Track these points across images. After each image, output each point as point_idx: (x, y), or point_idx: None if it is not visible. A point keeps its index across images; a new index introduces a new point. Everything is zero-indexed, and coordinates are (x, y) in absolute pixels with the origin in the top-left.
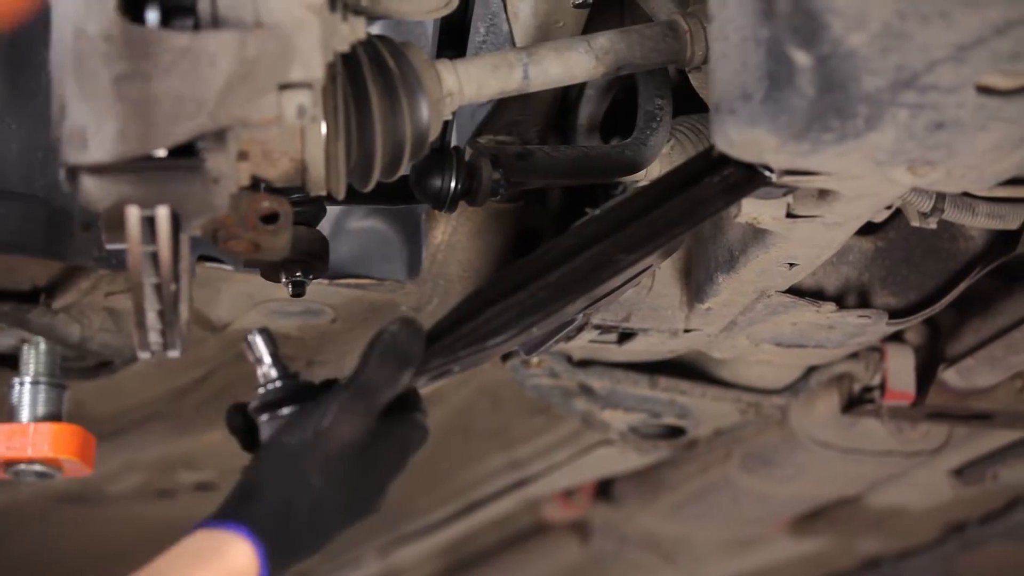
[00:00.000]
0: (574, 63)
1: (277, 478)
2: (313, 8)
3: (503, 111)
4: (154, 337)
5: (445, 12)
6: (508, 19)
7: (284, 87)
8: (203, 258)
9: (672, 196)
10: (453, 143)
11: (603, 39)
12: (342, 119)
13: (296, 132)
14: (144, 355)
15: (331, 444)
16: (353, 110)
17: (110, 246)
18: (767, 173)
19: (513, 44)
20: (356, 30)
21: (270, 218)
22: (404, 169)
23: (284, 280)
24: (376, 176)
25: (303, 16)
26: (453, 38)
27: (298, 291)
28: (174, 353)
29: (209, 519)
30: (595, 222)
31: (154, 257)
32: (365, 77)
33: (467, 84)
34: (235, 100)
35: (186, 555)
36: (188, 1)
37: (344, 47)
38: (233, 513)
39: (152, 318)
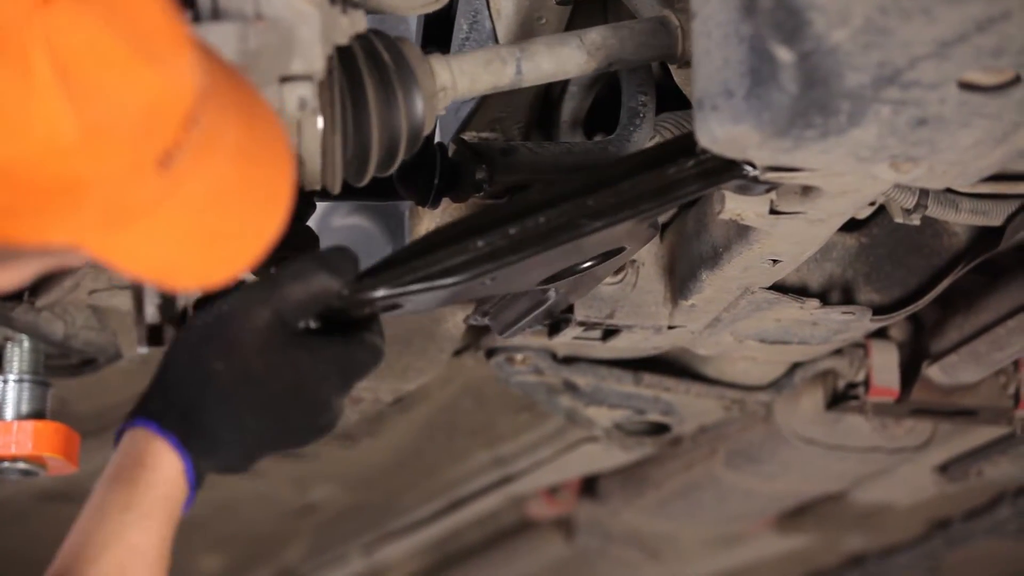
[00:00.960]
0: (566, 58)
1: (178, 363)
2: (314, 1)
3: (487, 107)
4: (153, 330)
5: (435, 7)
6: (491, 16)
7: (285, 80)
8: None
9: (645, 171)
10: (437, 139)
11: (595, 34)
12: (339, 112)
13: (293, 125)
14: (143, 350)
15: (230, 327)
16: (349, 103)
17: None
18: (749, 169)
19: (496, 41)
20: (356, 23)
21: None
22: (398, 164)
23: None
24: (372, 171)
25: (304, 8)
26: (437, 34)
27: None
28: None
29: (125, 419)
30: (563, 184)
31: None
32: (361, 70)
33: (460, 79)
34: None
35: (113, 478)
36: None
37: (344, 40)
38: (141, 409)
39: (152, 312)
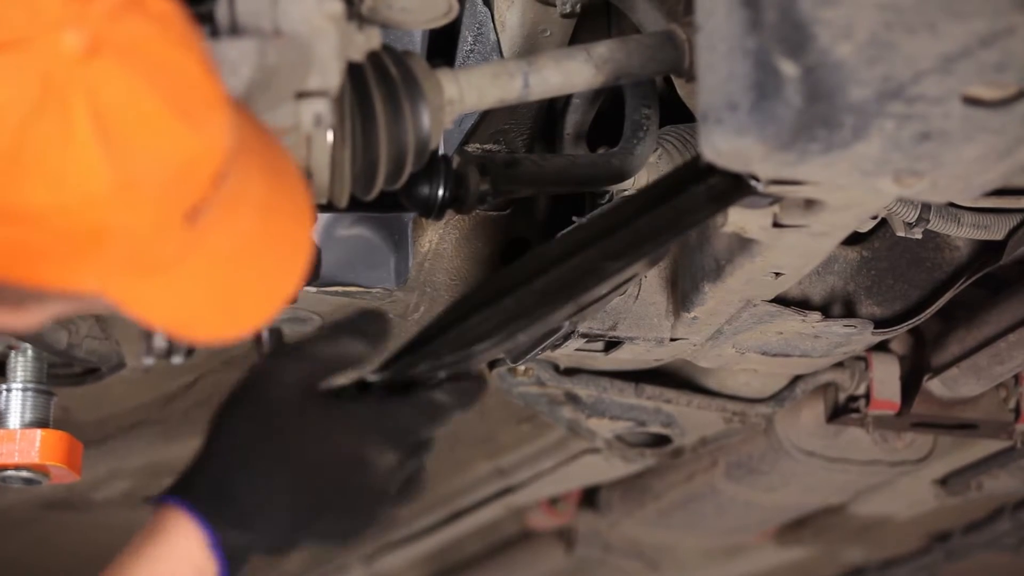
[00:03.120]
0: (574, 72)
1: (213, 434)
2: (332, 17)
3: (491, 120)
4: (159, 342)
5: (445, 22)
6: (495, 28)
7: (301, 95)
8: None
9: (658, 204)
10: (441, 151)
11: (602, 48)
12: (348, 127)
13: (303, 140)
14: (149, 361)
15: (256, 389)
16: (358, 118)
17: None
18: (753, 183)
19: (500, 54)
20: (371, 39)
21: None
22: (406, 178)
23: None
24: (380, 184)
25: (322, 25)
26: (442, 47)
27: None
28: (178, 359)
29: (160, 495)
30: (581, 230)
31: None
32: (369, 85)
33: (468, 92)
34: (255, 108)
35: (127, 552)
36: (206, 9)
37: (359, 56)
38: (173, 484)
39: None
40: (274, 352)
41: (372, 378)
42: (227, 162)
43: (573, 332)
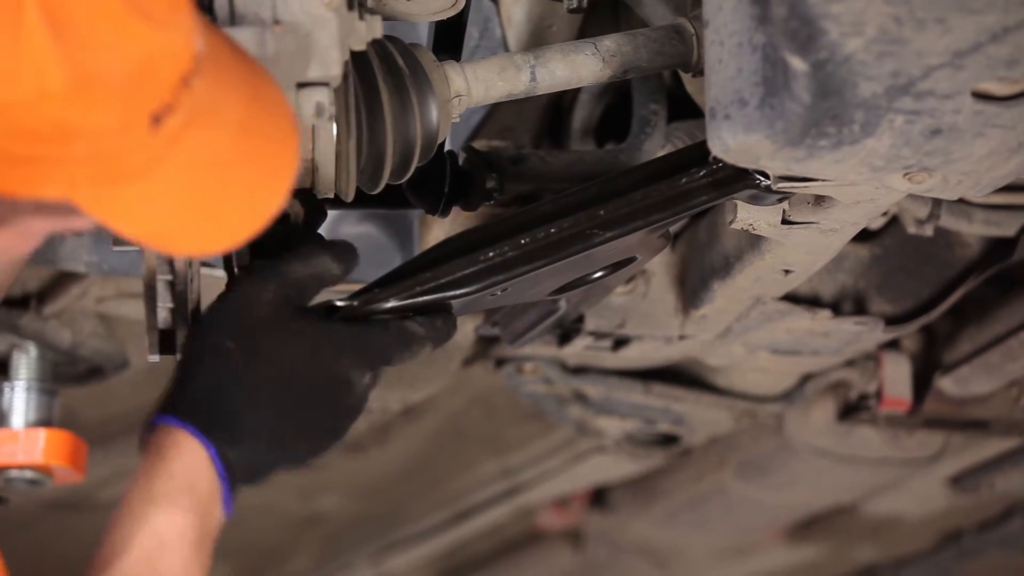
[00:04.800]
0: (581, 65)
1: (192, 354)
2: (332, 6)
3: (497, 115)
4: (165, 338)
5: (451, 14)
6: (501, 23)
7: (302, 85)
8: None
9: (657, 181)
10: (447, 147)
11: (609, 41)
12: (353, 118)
13: (307, 132)
14: (154, 358)
15: (236, 308)
16: (364, 109)
17: (118, 248)
18: (761, 179)
19: (507, 49)
20: (373, 29)
21: (280, 219)
22: (412, 171)
23: None
24: (386, 177)
25: (322, 14)
26: (448, 42)
27: None
28: (180, 356)
29: (145, 422)
30: (575, 193)
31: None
32: (375, 76)
33: (475, 86)
34: None
35: (137, 476)
36: None
37: (360, 46)
38: (161, 407)
39: (164, 317)
40: (250, 270)
41: (340, 303)
42: (193, 65)
43: (569, 314)
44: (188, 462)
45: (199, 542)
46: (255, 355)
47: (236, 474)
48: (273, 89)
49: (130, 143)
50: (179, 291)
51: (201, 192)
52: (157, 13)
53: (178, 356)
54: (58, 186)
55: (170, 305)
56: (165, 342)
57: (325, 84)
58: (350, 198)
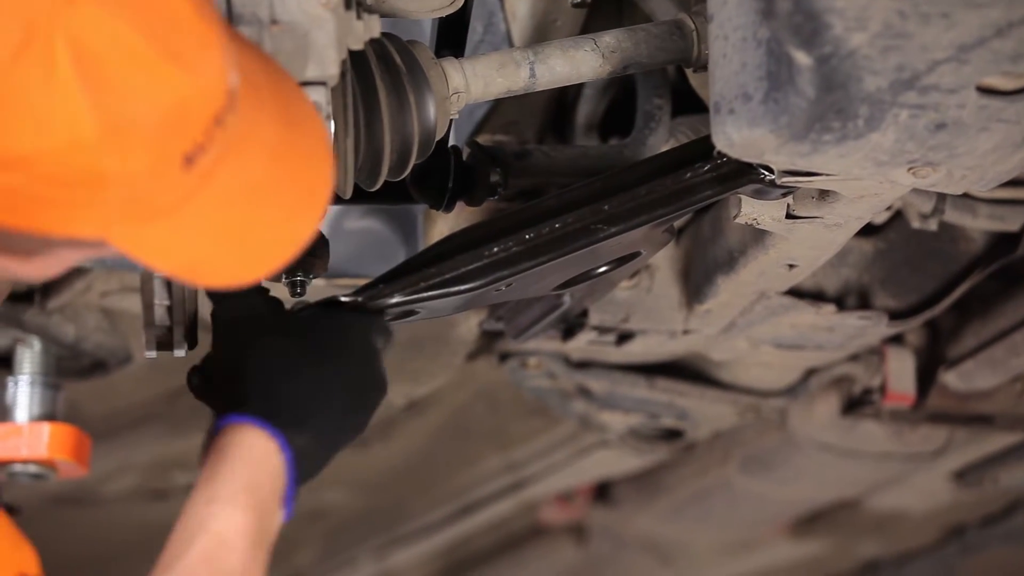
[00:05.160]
0: (581, 61)
1: (236, 353)
2: (329, 6)
3: (501, 110)
4: (161, 335)
5: (450, 11)
6: (505, 18)
7: (299, 84)
8: None
9: (661, 176)
10: (451, 142)
11: (609, 37)
12: (351, 116)
13: None
14: (151, 354)
15: (263, 318)
16: (361, 107)
17: None
18: (766, 173)
19: (511, 44)
20: (370, 28)
21: None
22: (410, 168)
23: (284, 280)
24: (384, 175)
25: (319, 14)
26: (452, 38)
27: (298, 291)
28: (180, 352)
29: (207, 433)
30: (579, 188)
31: None
32: (373, 74)
33: (473, 82)
34: None
35: (201, 478)
36: None
37: (358, 45)
38: (218, 414)
39: (161, 314)
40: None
41: (345, 298)
42: (227, 104)
43: (573, 309)
44: (252, 458)
45: (259, 541)
46: (301, 345)
47: (303, 464)
48: (307, 108)
49: (163, 185)
50: (176, 288)
51: (234, 223)
52: (188, 54)
53: (178, 353)
54: (91, 226)
55: (167, 302)
56: (162, 339)
57: (323, 84)
58: (348, 195)
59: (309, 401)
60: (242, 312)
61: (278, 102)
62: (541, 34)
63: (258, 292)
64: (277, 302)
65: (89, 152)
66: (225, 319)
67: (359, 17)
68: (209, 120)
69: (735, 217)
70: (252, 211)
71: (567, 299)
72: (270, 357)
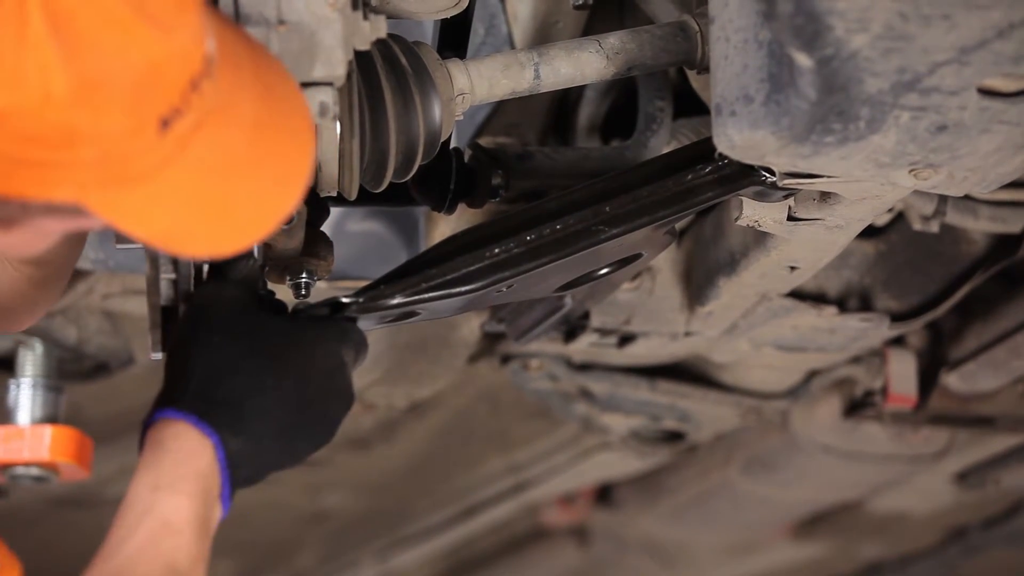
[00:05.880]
0: (585, 63)
1: (178, 354)
2: (336, 6)
3: (503, 112)
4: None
5: (455, 12)
6: (507, 20)
7: (306, 85)
8: None
9: (662, 177)
10: (453, 144)
11: (613, 39)
12: (356, 117)
13: None
14: (156, 356)
15: (209, 309)
16: (367, 108)
17: (122, 246)
18: (767, 175)
19: (512, 46)
20: (377, 28)
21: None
22: (416, 170)
23: (288, 281)
24: (389, 176)
25: (326, 14)
26: (454, 39)
27: (302, 292)
28: None
29: (143, 421)
30: (581, 190)
31: None
32: (379, 75)
33: (478, 84)
34: None
35: (140, 467)
36: None
37: (364, 46)
38: (156, 405)
39: (165, 293)
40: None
41: (346, 299)
42: (204, 69)
43: (574, 311)
44: (191, 451)
45: (203, 529)
46: (250, 347)
47: (238, 467)
48: (289, 85)
49: (138, 147)
50: (182, 290)
51: (212, 193)
52: (164, 16)
53: (157, 355)
54: (67, 189)
55: (172, 276)
56: (167, 318)
57: (329, 84)
58: (353, 196)
59: (249, 404)
60: (210, 302)
61: (259, 79)
62: (543, 36)
63: (236, 285)
64: (252, 299)
65: (61, 109)
66: (192, 306)
67: (365, 18)
68: (185, 84)
69: (736, 219)
70: (231, 182)
71: (569, 301)
72: (218, 354)
